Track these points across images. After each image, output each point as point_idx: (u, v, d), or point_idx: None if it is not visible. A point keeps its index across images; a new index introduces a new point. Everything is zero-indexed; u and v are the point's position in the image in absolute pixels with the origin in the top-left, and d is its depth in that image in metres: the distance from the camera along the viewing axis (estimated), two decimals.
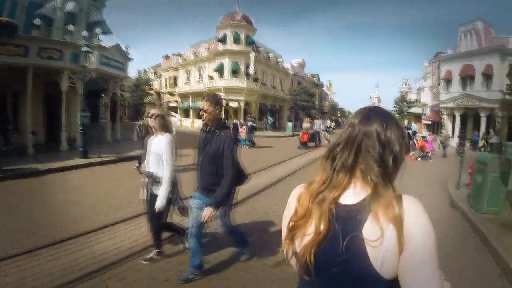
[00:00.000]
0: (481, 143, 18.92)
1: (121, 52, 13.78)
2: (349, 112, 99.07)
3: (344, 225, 0.75)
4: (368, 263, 0.71)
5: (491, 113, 22.37)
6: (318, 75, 53.44)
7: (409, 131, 14.63)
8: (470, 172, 6.64)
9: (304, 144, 15.40)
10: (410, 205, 0.74)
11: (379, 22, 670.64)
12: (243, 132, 14.57)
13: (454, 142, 20.29)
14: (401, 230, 0.70)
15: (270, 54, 35.09)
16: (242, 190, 4.27)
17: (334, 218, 0.77)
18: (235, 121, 15.61)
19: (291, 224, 0.84)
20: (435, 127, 30.96)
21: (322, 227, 0.76)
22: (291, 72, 40.06)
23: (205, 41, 33.10)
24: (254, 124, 14.03)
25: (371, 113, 0.85)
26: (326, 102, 57.65)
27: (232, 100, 27.30)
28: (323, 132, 18.20)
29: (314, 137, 16.70)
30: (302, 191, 0.88)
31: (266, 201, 5.68)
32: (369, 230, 0.71)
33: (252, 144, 14.57)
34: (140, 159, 5.22)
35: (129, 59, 14.63)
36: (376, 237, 0.70)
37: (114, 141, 13.87)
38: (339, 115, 68.24)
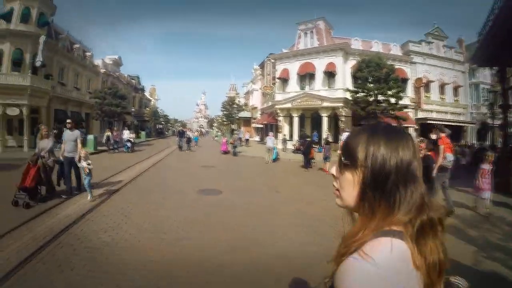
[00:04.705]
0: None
1: None
2: (175, 119, 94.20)
3: None
4: None
5: (333, 112, 21.31)
6: (138, 77, 48.40)
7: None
8: None
9: (27, 191, 5.67)
10: None
11: (210, 32, 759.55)
12: None
13: (291, 144, 20.92)
14: None
15: (75, 46, 27.38)
16: None
17: None
18: None
19: None
20: (267, 130, 27.01)
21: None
22: (103, 70, 33.07)
23: None
24: None
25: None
26: (148, 109, 52.07)
27: (10, 105, 18.15)
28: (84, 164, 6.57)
29: (52, 173, 6.70)
30: (409, 257, 0.62)
31: None
32: None
33: None
34: None
35: None
36: None
37: None
38: (162, 122, 64.67)
